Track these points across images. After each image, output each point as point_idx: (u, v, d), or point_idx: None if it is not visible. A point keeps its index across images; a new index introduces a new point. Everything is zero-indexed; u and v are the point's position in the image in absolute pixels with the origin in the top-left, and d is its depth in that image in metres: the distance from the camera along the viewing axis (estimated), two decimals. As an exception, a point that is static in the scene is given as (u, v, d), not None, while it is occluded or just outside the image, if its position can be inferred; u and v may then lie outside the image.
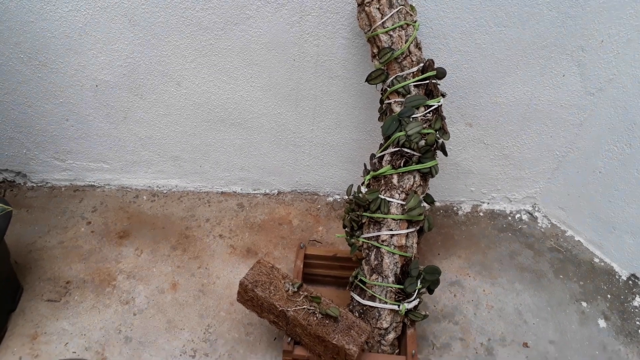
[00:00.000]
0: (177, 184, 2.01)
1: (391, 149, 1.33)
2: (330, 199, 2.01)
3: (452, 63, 1.57)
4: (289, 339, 1.33)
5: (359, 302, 1.37)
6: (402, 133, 1.29)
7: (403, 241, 1.32)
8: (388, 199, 1.32)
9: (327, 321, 1.29)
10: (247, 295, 1.37)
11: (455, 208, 1.99)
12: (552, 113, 1.71)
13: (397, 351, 1.39)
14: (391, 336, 1.35)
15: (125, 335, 1.55)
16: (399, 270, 1.33)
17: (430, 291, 1.38)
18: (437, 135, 1.31)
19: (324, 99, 1.72)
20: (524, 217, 1.97)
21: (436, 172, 1.32)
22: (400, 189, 1.32)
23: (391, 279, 1.33)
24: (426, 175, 1.33)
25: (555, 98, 1.67)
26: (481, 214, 1.98)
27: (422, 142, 1.27)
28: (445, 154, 1.35)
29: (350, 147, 1.86)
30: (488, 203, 2.00)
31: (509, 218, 1.97)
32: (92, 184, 2.02)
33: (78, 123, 1.83)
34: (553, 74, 1.61)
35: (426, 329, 1.58)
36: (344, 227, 1.44)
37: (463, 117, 1.74)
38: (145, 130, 1.85)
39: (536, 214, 1.97)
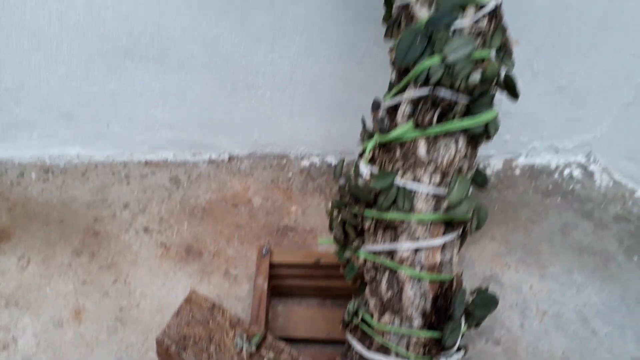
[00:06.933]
0: (79, 153, 1.38)
1: (414, 91, 0.71)
2: (306, 162, 1.41)
3: None
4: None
5: (361, 356, 0.82)
6: (437, 59, 0.66)
7: (437, 257, 0.75)
8: (411, 185, 0.72)
9: (310, 401, 0.74)
10: None
11: (481, 165, 1.42)
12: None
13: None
14: (417, 404, 0.82)
15: (-2, 405, 1.00)
16: (429, 305, 0.77)
17: (476, 326, 0.83)
18: (499, 61, 0.70)
19: (288, 6, 1.06)
20: (576, 172, 1.42)
21: (495, 131, 0.72)
22: (433, 165, 0.72)
23: (417, 321, 0.77)
24: (478, 138, 0.73)
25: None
26: (517, 171, 1.42)
27: (476, 77, 0.66)
28: (515, 94, 0.73)
29: (332, 85, 1.23)
30: (526, 155, 1.43)
31: (556, 176, 1.41)
32: (-48, 159, 1.37)
33: None
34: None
35: (458, 358, 1.07)
36: (333, 232, 0.85)
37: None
38: (10, 75, 1.20)
39: (592, 167, 1.42)
